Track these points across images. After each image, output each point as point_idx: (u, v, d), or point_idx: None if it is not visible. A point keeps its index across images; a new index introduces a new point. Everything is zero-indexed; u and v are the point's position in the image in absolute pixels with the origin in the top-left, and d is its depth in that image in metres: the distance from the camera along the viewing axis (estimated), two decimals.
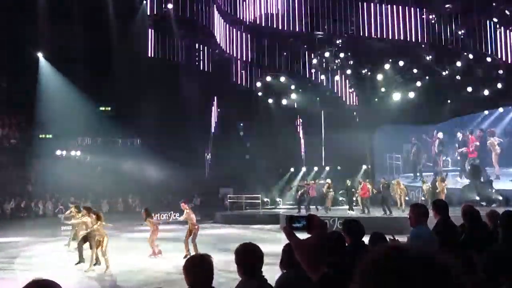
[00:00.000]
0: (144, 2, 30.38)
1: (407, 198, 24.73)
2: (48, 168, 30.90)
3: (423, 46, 27.53)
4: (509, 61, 25.45)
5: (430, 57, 27.94)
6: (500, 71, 26.57)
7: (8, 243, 19.70)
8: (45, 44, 30.31)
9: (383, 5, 26.39)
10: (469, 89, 27.69)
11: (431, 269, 1.05)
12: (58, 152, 33.19)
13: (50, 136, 34.48)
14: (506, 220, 5.58)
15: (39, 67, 31.74)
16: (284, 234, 1.68)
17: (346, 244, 5.04)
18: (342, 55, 29.79)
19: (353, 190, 24.42)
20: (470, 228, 6.21)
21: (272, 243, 9.88)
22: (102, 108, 37.00)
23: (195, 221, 15.09)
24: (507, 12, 25.22)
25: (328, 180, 26.21)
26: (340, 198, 29.07)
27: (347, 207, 24.96)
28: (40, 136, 34.28)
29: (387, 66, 29.12)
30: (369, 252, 1.15)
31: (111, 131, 35.06)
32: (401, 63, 28.75)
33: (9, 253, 17.18)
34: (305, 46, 30.09)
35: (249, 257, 3.65)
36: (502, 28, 25.29)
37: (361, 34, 27.34)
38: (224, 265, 8.95)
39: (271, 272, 3.97)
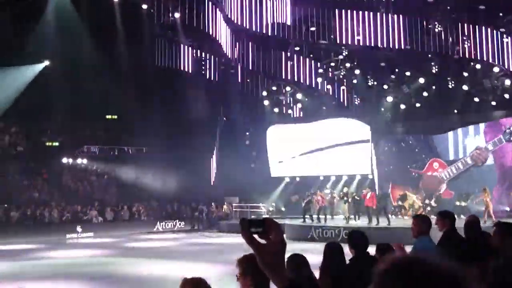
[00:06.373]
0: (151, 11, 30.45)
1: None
2: (55, 176, 30.95)
3: (429, 56, 27.46)
4: None
5: (436, 67, 27.89)
6: (507, 81, 26.44)
7: (16, 251, 19.78)
8: (52, 53, 30.42)
9: (389, 14, 26.35)
10: (476, 99, 27.61)
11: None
12: (65, 160, 33.24)
13: (57, 144, 34.60)
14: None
15: (47, 74, 31.81)
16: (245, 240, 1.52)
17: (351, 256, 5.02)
18: (348, 65, 29.76)
19: (357, 198, 24.08)
20: (472, 239, 6.07)
21: None
22: (109, 117, 37.11)
23: None
24: None
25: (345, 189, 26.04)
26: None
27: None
28: (47, 144, 34.40)
29: (393, 76, 29.11)
30: (388, 258, 1.14)
31: (117, 139, 35.13)
32: (407, 73, 28.70)
33: (18, 259, 17.24)
34: (311, 56, 30.10)
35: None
36: (509, 38, 25.18)
37: (368, 44, 27.30)
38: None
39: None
